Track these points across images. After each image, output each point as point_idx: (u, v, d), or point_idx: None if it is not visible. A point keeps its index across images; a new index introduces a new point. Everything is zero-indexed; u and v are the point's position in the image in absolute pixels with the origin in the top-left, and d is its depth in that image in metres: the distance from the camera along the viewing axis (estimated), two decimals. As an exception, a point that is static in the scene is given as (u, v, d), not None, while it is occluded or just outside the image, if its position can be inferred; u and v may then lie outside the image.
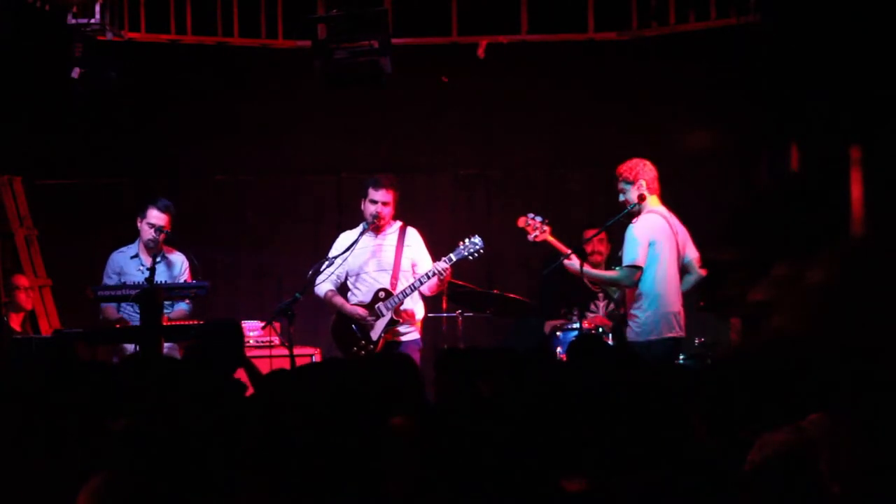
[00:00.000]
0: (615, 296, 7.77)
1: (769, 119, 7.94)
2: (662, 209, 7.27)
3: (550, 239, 7.41)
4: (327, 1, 8.93)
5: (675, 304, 7.18)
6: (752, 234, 7.59)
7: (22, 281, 8.53)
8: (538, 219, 7.44)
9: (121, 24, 8.70)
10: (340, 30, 7.67)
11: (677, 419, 3.59)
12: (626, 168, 7.28)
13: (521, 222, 7.48)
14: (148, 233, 7.70)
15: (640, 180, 7.21)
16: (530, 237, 7.43)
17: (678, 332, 7.16)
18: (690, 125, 9.29)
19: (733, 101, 8.55)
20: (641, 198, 7.21)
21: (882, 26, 6.30)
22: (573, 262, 7.25)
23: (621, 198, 7.30)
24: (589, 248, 8.43)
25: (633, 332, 7.13)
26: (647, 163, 7.29)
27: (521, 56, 9.53)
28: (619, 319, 7.58)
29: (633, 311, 7.16)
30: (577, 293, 8.46)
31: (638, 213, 7.24)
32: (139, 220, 7.77)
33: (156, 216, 7.72)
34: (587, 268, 7.40)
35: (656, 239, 7.14)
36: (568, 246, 7.40)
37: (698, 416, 3.71)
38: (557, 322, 8.50)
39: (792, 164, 7.77)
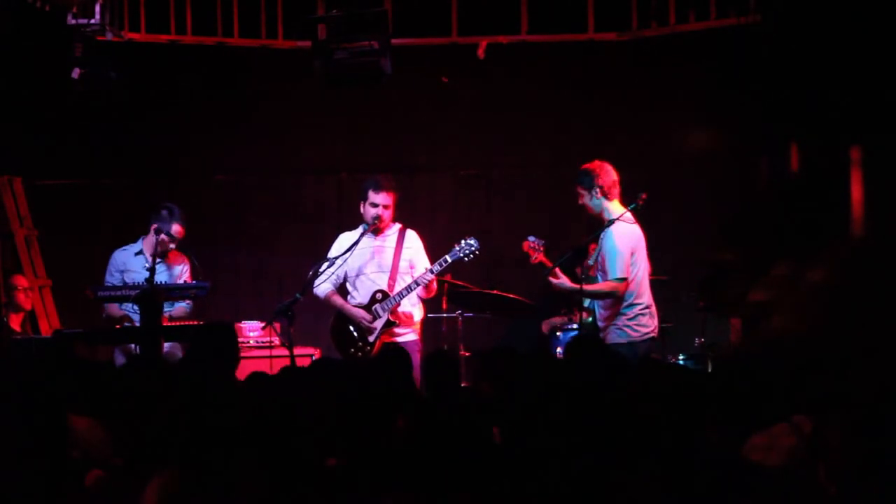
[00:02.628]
0: (586, 303, 7.77)
1: (769, 119, 7.93)
2: (629, 214, 7.23)
3: (544, 259, 7.38)
4: (327, 1, 8.94)
5: (653, 304, 7.22)
6: (752, 234, 7.59)
7: (21, 281, 8.53)
8: (538, 241, 7.41)
9: (121, 24, 8.70)
10: (340, 30, 7.68)
11: (679, 418, 3.59)
12: (589, 170, 7.24)
13: (525, 246, 7.44)
14: (167, 244, 7.71)
15: (605, 183, 7.18)
16: (531, 259, 7.41)
17: (655, 332, 7.22)
18: (690, 125, 9.29)
19: (733, 101, 8.54)
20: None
21: (882, 26, 6.30)
22: (561, 282, 7.21)
23: (586, 198, 7.23)
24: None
25: (615, 335, 7.13)
26: (610, 165, 7.27)
27: (521, 56, 9.53)
28: (592, 327, 7.54)
29: (618, 316, 7.14)
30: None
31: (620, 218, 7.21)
32: (154, 228, 7.74)
33: (178, 231, 7.77)
34: (585, 287, 7.37)
35: (636, 248, 7.17)
36: (561, 257, 7.37)
37: (701, 415, 3.71)
38: (557, 321, 8.48)
39: (792, 164, 7.76)
